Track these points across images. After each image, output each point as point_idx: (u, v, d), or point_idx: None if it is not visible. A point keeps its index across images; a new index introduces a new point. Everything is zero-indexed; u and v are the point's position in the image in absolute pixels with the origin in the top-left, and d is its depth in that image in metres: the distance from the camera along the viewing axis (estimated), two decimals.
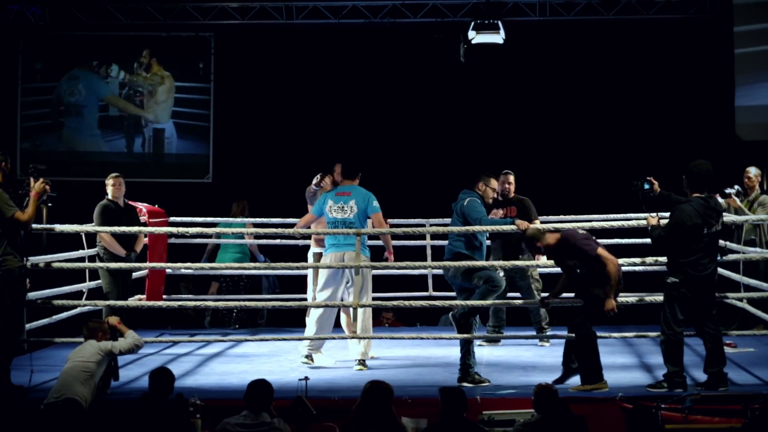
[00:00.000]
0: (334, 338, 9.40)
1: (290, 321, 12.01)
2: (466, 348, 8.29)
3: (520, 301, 8.91)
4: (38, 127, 14.40)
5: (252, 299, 11.94)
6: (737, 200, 10.32)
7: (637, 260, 8.70)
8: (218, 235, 12.06)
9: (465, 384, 8.11)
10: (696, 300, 7.84)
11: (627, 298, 8.56)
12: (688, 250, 7.78)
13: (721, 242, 8.00)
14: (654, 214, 8.09)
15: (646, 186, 8.15)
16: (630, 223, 8.83)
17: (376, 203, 9.06)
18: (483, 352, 9.59)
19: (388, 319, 12.54)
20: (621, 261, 8.39)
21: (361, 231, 8.89)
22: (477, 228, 8.40)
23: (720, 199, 10.38)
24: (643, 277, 9.99)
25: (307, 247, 9.88)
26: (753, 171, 10.61)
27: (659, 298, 8.25)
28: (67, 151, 14.33)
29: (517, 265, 9.61)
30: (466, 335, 8.31)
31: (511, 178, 10.19)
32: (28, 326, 8.84)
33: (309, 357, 9.18)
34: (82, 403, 7.19)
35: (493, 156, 13.89)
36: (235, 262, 12.16)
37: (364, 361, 9.08)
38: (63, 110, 14.36)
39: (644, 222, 8.23)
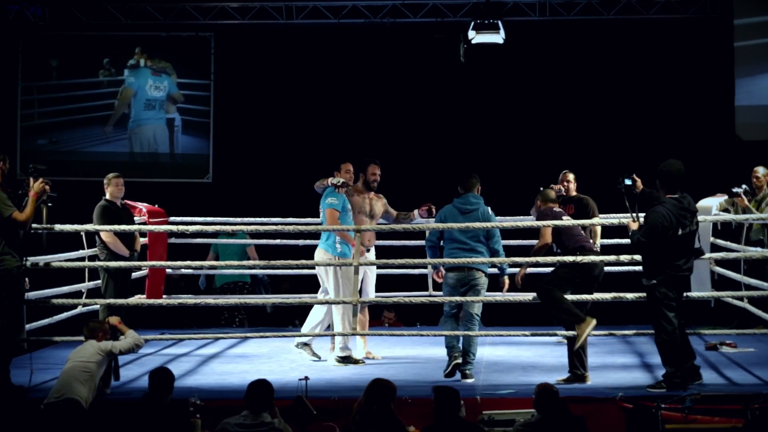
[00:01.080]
0: (325, 335, 9.39)
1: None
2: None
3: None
4: (56, 123, 14.41)
5: (252, 298, 11.95)
6: (745, 199, 10.31)
7: (612, 258, 8.70)
8: (217, 256, 12.19)
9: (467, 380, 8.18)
10: (677, 300, 7.85)
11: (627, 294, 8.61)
12: (663, 251, 7.77)
13: (697, 243, 7.99)
14: (636, 216, 8.08)
15: (628, 182, 8.13)
16: (629, 222, 8.85)
17: (328, 200, 9.16)
18: (483, 352, 9.59)
19: (389, 319, 12.53)
20: (623, 258, 8.74)
21: (361, 228, 8.93)
22: (477, 225, 8.55)
23: (721, 199, 10.43)
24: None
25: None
26: (762, 170, 10.57)
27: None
28: (130, 152, 14.36)
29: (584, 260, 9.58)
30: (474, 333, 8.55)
31: (570, 177, 10.06)
32: (27, 326, 8.83)
33: (308, 345, 9.23)
34: (82, 403, 7.19)
35: (493, 156, 13.92)
36: (237, 277, 12.24)
37: (340, 358, 9.17)
38: (140, 104, 14.35)
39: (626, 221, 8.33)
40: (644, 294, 8.04)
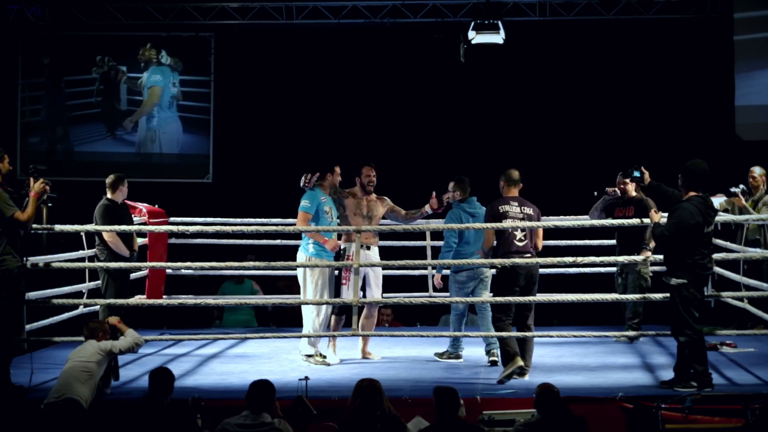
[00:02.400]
0: (322, 336, 9.38)
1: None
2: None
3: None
4: (49, 121, 14.43)
5: (252, 299, 11.95)
6: (742, 199, 10.32)
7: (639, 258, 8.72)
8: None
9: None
10: (701, 301, 7.86)
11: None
12: (693, 249, 7.76)
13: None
14: (657, 210, 8.18)
15: (636, 174, 8.20)
16: (630, 222, 8.86)
17: (302, 202, 9.23)
18: (483, 352, 9.58)
19: (386, 316, 12.47)
20: (621, 259, 9.25)
21: (361, 228, 8.94)
22: (478, 226, 8.86)
23: (721, 199, 10.44)
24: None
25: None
26: (758, 171, 10.58)
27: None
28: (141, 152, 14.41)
29: (635, 260, 9.51)
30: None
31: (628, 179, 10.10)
32: (28, 326, 8.83)
33: (312, 356, 9.22)
34: (82, 403, 7.18)
35: (493, 156, 13.91)
36: (244, 324, 12.28)
37: (309, 356, 9.17)
38: (165, 102, 14.38)
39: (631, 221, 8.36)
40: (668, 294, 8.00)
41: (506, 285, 8.42)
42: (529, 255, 8.51)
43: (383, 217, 9.68)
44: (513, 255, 8.43)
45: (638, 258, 9.28)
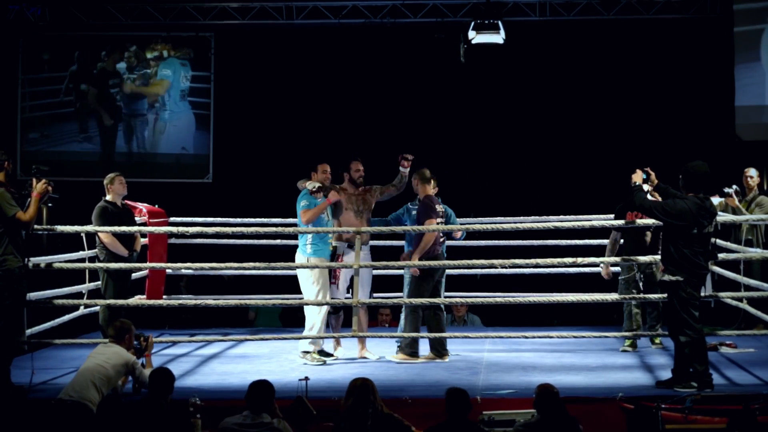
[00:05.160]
0: (324, 337, 9.39)
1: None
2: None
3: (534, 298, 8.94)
4: (48, 117, 14.45)
5: (255, 298, 11.95)
6: (735, 200, 10.33)
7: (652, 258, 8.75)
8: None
9: None
10: (700, 300, 7.87)
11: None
12: (682, 244, 7.74)
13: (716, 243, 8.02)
14: (641, 172, 8.15)
15: (643, 176, 8.20)
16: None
17: (302, 203, 9.25)
18: (483, 353, 9.59)
19: (385, 315, 12.45)
20: (619, 260, 9.25)
21: (362, 229, 8.96)
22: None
23: (718, 199, 10.44)
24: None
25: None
26: (753, 172, 10.61)
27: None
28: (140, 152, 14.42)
29: (645, 260, 9.39)
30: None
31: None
32: (29, 330, 8.82)
33: (309, 353, 9.23)
34: (92, 409, 7.10)
35: (493, 156, 13.92)
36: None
37: (306, 353, 9.20)
38: (176, 96, 14.43)
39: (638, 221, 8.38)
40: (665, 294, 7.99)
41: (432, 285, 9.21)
42: None
43: (381, 202, 9.78)
44: (436, 259, 9.18)
45: (642, 259, 9.23)
